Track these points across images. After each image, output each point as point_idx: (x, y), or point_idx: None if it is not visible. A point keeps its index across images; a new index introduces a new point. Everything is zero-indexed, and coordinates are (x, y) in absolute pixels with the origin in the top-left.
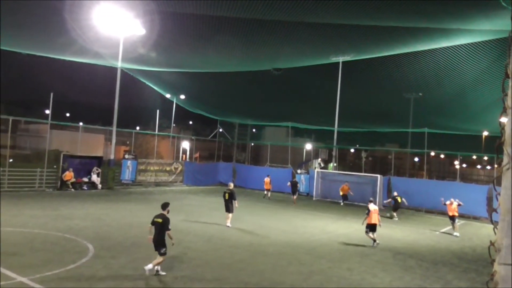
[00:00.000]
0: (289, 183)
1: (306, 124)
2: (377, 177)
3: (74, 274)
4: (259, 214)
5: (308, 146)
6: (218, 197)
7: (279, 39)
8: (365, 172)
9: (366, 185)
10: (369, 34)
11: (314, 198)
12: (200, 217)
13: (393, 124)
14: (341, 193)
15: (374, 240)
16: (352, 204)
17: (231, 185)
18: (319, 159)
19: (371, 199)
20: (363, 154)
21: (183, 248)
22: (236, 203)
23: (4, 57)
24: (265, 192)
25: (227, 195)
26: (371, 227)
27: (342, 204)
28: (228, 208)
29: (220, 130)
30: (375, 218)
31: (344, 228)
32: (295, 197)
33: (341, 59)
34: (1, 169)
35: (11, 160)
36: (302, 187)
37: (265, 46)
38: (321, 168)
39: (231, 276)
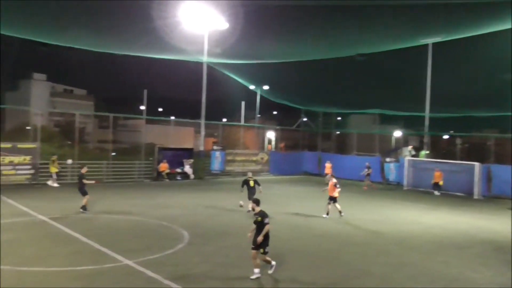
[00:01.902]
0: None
1: (394, 111)
2: (474, 165)
3: (172, 259)
4: (346, 203)
5: (397, 133)
6: (304, 186)
7: (363, 23)
8: (460, 159)
9: (462, 173)
10: (460, 12)
11: (404, 188)
12: (286, 206)
13: (491, 108)
14: (433, 182)
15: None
16: (446, 193)
17: (250, 174)
18: (410, 147)
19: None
20: (458, 141)
21: None
22: (260, 189)
23: (104, 58)
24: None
25: (252, 182)
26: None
27: (438, 194)
28: (254, 195)
29: (304, 119)
30: (333, 191)
31: (438, 219)
32: (367, 182)
33: (430, 40)
34: (106, 162)
35: (113, 154)
36: (391, 176)
37: (348, 32)
38: (412, 156)
39: (316, 265)
